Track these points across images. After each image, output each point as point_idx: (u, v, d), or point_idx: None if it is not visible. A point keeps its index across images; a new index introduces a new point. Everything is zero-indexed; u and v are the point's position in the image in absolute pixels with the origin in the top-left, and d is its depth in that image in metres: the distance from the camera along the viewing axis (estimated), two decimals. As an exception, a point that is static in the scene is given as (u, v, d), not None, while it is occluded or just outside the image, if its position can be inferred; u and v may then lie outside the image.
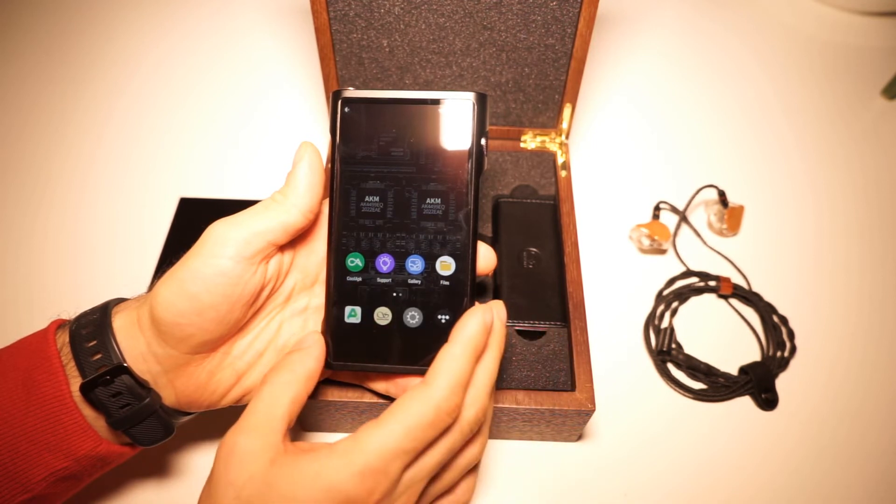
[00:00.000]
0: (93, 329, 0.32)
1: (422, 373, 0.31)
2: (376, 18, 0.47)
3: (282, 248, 0.33)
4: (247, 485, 0.27)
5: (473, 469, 0.33)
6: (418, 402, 0.28)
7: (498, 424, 0.41)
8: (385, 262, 0.33)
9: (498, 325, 0.31)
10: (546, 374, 0.41)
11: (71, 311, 0.35)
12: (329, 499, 0.26)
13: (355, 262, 0.34)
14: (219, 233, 0.31)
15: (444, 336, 0.30)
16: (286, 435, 0.29)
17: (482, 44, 0.48)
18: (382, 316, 0.33)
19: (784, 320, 0.50)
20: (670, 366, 0.48)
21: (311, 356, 0.32)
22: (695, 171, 0.60)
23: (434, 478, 0.30)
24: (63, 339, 0.32)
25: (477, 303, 0.32)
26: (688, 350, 0.48)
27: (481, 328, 0.30)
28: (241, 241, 0.31)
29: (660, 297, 0.51)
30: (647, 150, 0.62)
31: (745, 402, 0.46)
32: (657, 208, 0.55)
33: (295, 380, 0.31)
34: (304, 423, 0.43)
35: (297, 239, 0.35)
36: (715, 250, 0.54)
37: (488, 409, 0.32)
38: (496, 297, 0.45)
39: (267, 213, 0.31)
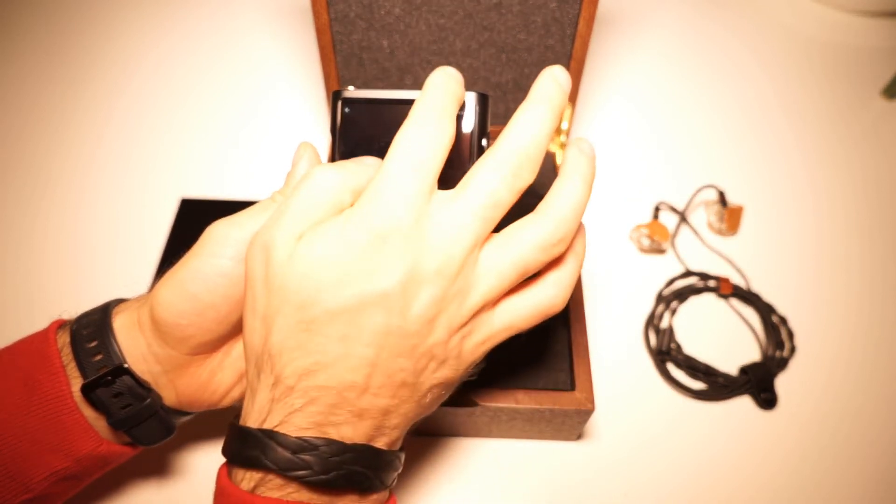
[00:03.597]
0: (93, 329, 0.32)
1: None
2: (377, 19, 0.47)
3: (282, 248, 0.33)
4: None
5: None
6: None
7: (498, 424, 0.41)
8: None
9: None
10: (546, 374, 0.41)
11: (71, 311, 0.35)
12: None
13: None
14: (219, 233, 0.31)
15: None
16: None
17: (482, 44, 0.48)
18: None
19: (784, 320, 0.50)
20: (670, 366, 0.48)
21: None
22: (695, 171, 0.60)
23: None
24: (64, 339, 0.32)
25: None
26: (688, 350, 0.48)
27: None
28: (241, 241, 0.31)
29: (660, 297, 0.51)
30: (647, 150, 0.62)
31: (744, 402, 0.46)
32: (657, 208, 0.55)
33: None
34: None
35: (298, 239, 0.34)
36: (714, 250, 0.54)
37: (573, 228, 0.29)
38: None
39: (267, 213, 0.31)
